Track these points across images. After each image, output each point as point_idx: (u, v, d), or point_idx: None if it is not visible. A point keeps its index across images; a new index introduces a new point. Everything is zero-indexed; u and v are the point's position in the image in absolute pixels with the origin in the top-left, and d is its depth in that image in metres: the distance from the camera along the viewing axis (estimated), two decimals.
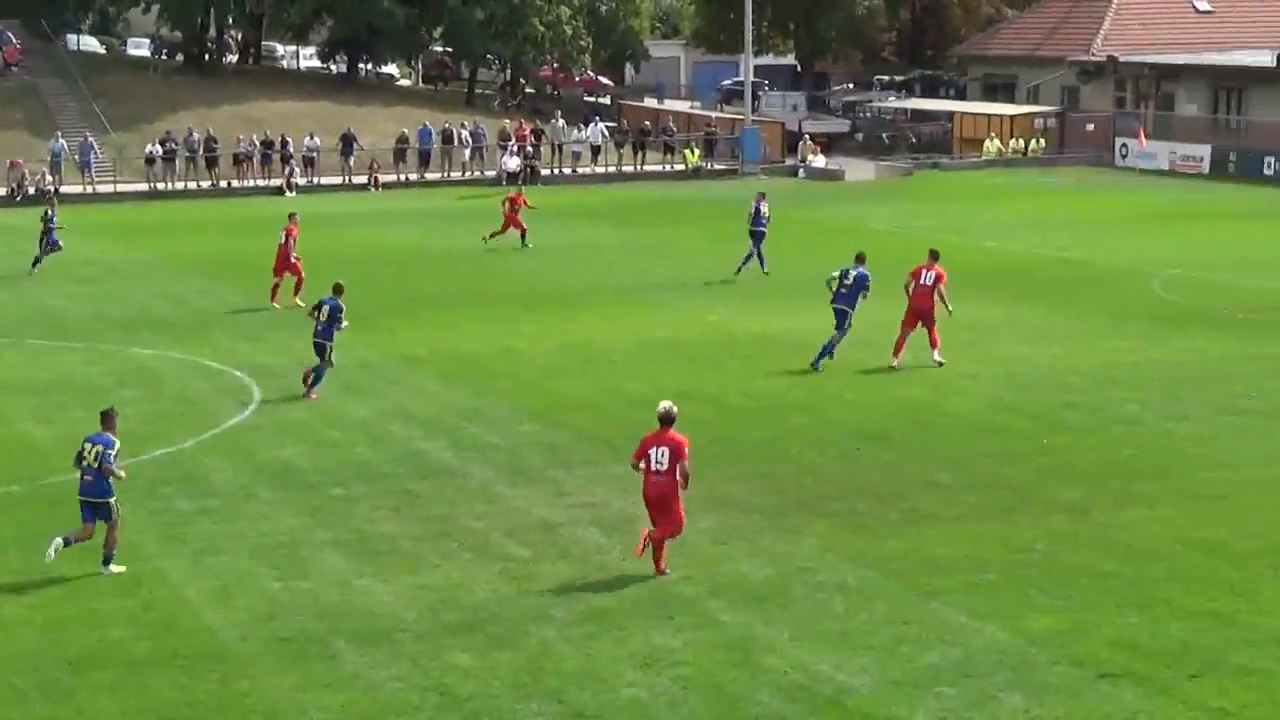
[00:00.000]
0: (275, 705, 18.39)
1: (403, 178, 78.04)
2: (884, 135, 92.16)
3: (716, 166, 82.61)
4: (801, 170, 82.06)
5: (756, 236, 48.55)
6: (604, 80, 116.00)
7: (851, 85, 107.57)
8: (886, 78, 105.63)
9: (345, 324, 33.64)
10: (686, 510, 22.64)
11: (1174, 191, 73.18)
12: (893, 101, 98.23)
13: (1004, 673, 18.99)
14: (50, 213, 49.58)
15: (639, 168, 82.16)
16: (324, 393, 33.24)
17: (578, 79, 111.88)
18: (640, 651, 19.75)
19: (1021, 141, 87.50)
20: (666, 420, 22.51)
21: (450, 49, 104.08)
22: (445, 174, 78.95)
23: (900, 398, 32.83)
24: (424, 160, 79.52)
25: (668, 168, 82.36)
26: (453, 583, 22.26)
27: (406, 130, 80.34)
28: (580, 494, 26.42)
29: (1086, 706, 18.09)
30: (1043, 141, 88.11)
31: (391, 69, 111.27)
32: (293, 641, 20.21)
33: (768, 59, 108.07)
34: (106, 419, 23.12)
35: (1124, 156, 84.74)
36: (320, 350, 33.31)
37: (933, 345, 35.36)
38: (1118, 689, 18.51)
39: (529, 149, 79.36)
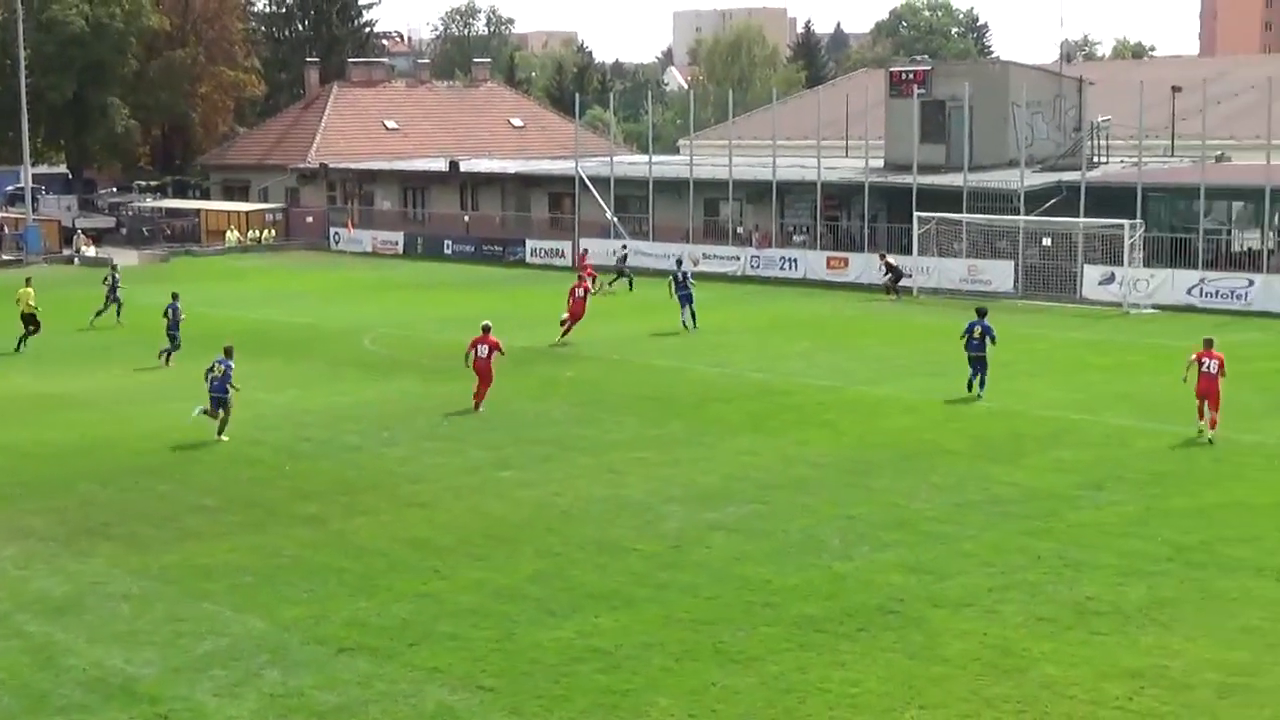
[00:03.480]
0: None
1: None
2: (144, 229, 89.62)
3: (5, 257, 78.55)
4: (77, 259, 78.96)
5: (684, 299, 48.10)
6: None
7: (115, 189, 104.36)
8: (145, 182, 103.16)
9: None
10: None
11: (376, 269, 74.04)
12: (150, 201, 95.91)
13: (264, 654, 18.73)
14: None
15: None
16: None
17: None
18: None
19: (256, 231, 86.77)
20: (486, 330, 33.98)
21: None
22: None
23: (167, 439, 31.80)
24: None
25: None
26: None
27: None
28: None
29: (330, 675, 18.04)
30: (273, 231, 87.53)
31: None
32: None
33: (43, 168, 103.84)
34: (229, 351, 31.88)
35: (337, 242, 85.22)
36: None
37: None
38: (355, 659, 18.55)
39: None
